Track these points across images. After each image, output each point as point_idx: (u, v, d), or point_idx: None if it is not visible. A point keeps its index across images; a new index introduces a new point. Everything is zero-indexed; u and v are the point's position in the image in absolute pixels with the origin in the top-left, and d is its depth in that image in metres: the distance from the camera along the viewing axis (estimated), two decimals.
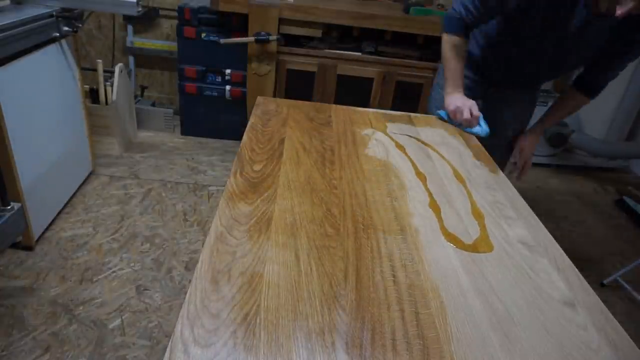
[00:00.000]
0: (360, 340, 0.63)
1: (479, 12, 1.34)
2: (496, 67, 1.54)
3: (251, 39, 2.41)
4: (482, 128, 1.39)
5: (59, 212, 2.05)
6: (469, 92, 1.54)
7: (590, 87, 1.45)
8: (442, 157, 1.23)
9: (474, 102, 1.40)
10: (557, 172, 3.17)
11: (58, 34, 1.86)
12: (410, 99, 2.68)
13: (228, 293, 0.68)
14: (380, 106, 2.66)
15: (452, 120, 1.44)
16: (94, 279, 1.73)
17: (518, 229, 0.95)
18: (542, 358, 0.65)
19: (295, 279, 0.73)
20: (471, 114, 1.38)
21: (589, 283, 0.83)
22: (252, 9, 2.37)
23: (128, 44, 2.98)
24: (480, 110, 1.42)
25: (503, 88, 1.59)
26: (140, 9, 1.90)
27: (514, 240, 0.91)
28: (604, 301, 0.79)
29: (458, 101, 1.41)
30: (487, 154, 1.30)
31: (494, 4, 1.31)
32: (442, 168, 1.17)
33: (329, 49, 2.56)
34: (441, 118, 1.48)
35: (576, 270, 0.85)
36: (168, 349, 0.58)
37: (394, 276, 0.76)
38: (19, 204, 1.47)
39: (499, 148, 1.55)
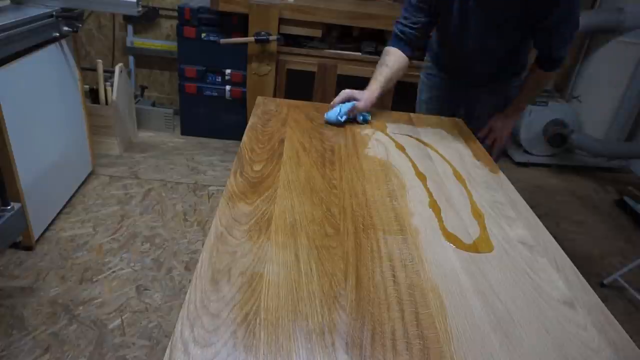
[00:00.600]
0: (360, 340, 0.63)
1: (411, 18, 1.42)
2: (446, 61, 1.65)
3: (251, 39, 2.41)
4: (335, 114, 1.34)
5: (59, 212, 2.05)
6: (438, 91, 1.72)
7: (545, 61, 1.45)
8: (442, 157, 1.23)
9: (350, 91, 1.38)
10: (557, 172, 3.17)
11: (58, 34, 1.86)
12: (410, 99, 2.67)
13: (228, 293, 0.68)
14: (380, 106, 2.65)
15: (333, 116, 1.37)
16: (94, 279, 1.73)
17: (518, 229, 0.95)
18: (542, 358, 0.65)
19: (295, 279, 0.73)
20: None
21: (589, 283, 0.83)
22: (252, 9, 2.37)
23: (128, 44, 2.98)
24: (452, 106, 1.63)
25: (465, 84, 1.65)
26: (140, 9, 1.90)
27: (514, 240, 0.91)
28: (604, 301, 0.79)
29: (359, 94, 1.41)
30: (487, 154, 1.30)
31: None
32: (442, 168, 1.17)
33: (329, 49, 2.56)
34: (330, 121, 1.36)
35: (576, 270, 0.85)
36: (168, 349, 0.58)
37: (394, 276, 0.76)
38: (19, 204, 1.47)
39: None
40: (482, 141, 1.47)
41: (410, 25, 1.43)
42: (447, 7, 1.40)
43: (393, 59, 1.44)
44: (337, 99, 1.37)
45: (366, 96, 1.37)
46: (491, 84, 1.60)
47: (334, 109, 1.34)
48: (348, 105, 1.34)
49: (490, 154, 1.43)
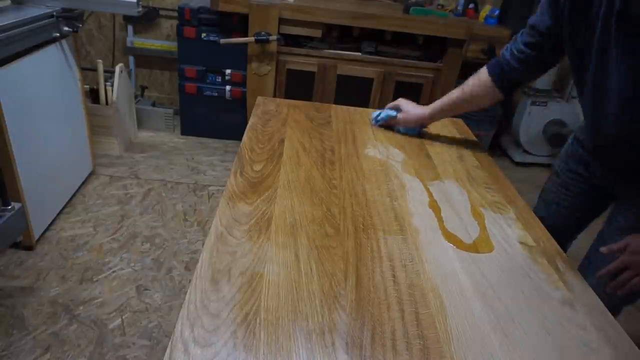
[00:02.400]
0: (360, 340, 0.63)
1: (519, 48, 1.09)
2: (587, 140, 1.13)
3: (251, 39, 2.41)
4: (375, 117, 1.36)
5: (59, 212, 2.05)
6: (568, 192, 1.20)
7: None
8: (443, 157, 1.23)
9: (404, 102, 1.32)
10: None
11: (58, 34, 1.86)
12: (410, 99, 2.67)
13: (228, 293, 0.68)
14: (380, 106, 2.65)
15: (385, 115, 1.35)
16: (94, 279, 1.73)
17: (518, 229, 0.95)
18: (542, 358, 0.65)
19: (295, 279, 0.73)
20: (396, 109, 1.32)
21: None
22: (252, 9, 2.37)
23: (128, 44, 2.98)
24: (585, 213, 1.19)
25: (607, 181, 1.12)
26: (140, 9, 1.90)
27: (514, 240, 0.91)
28: None
29: (414, 109, 1.32)
30: (487, 154, 1.30)
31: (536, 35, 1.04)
32: (442, 168, 1.17)
33: (329, 49, 2.56)
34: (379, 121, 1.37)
35: (576, 270, 0.85)
36: (168, 349, 0.58)
37: (394, 276, 0.76)
38: (19, 204, 1.47)
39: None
40: (610, 276, 0.95)
41: (515, 51, 1.10)
42: (577, 48, 0.95)
43: (474, 83, 1.20)
44: (391, 103, 1.35)
45: (408, 112, 1.30)
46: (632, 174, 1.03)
47: (380, 111, 1.36)
48: (388, 114, 1.33)
49: (615, 289, 0.93)
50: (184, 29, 2.64)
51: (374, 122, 1.37)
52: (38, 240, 1.88)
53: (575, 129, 1.24)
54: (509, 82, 1.15)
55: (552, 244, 0.92)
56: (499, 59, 1.15)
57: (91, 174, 2.37)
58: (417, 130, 1.33)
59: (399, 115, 1.31)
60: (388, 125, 1.35)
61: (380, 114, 1.35)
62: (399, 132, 1.34)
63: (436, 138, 1.35)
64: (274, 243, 0.80)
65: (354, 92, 2.61)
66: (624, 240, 0.94)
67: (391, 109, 1.34)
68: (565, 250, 0.94)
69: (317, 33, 2.49)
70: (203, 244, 0.91)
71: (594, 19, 0.88)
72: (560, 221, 1.22)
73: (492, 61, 1.17)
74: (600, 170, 1.11)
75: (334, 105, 1.49)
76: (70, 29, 1.91)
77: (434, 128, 1.42)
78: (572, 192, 1.20)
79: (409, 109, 1.30)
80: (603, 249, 0.94)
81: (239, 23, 2.57)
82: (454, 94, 1.22)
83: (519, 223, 0.97)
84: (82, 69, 2.17)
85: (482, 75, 1.18)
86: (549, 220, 1.07)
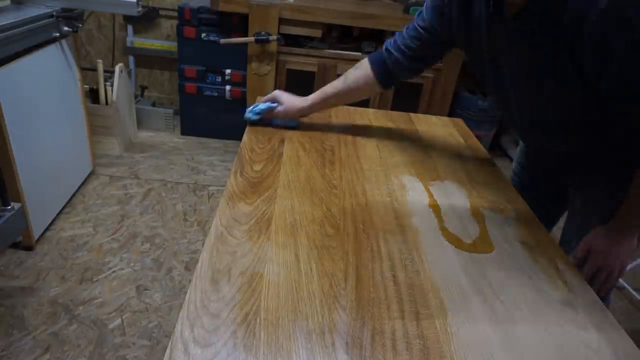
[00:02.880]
0: (360, 340, 0.63)
1: (404, 43, 1.10)
2: (519, 137, 1.21)
3: (251, 39, 2.41)
4: (250, 111, 1.27)
5: (59, 212, 2.05)
6: (525, 169, 1.27)
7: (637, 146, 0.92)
8: (443, 157, 1.23)
9: (280, 93, 1.24)
10: None
11: (58, 34, 1.86)
12: (410, 99, 2.68)
13: (228, 293, 0.68)
14: (380, 106, 2.66)
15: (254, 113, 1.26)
16: (94, 279, 1.73)
17: (518, 229, 0.95)
18: (541, 358, 0.65)
19: (295, 279, 0.73)
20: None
21: None
22: (252, 9, 2.37)
23: (128, 44, 2.98)
24: (541, 198, 1.15)
25: (551, 170, 1.18)
26: (140, 9, 1.90)
27: (514, 240, 0.91)
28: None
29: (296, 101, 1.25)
30: (487, 154, 1.30)
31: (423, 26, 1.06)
32: (442, 168, 1.17)
33: (329, 49, 2.56)
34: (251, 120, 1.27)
35: (576, 270, 0.85)
36: (168, 349, 0.58)
37: (394, 276, 0.76)
38: (19, 204, 1.47)
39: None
40: (579, 267, 0.95)
41: (403, 47, 1.11)
42: (469, 45, 0.99)
43: (357, 76, 1.18)
44: (266, 96, 1.26)
45: (289, 103, 1.22)
46: (593, 172, 1.03)
47: (256, 104, 1.27)
48: (268, 105, 1.24)
49: (591, 286, 0.83)
50: (184, 29, 2.64)
51: (249, 115, 1.25)
52: (38, 240, 1.88)
53: None
54: (393, 77, 1.17)
55: (552, 244, 0.92)
56: (382, 55, 1.14)
57: (91, 174, 2.37)
58: (296, 122, 1.26)
59: (279, 108, 1.23)
60: (266, 118, 1.25)
61: (257, 106, 1.25)
62: (277, 126, 1.25)
63: (436, 138, 1.35)
64: (274, 243, 0.80)
65: None
66: (584, 242, 0.97)
67: (269, 101, 1.25)
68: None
69: (317, 33, 2.49)
70: (203, 244, 0.91)
71: (477, 23, 0.91)
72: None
73: (376, 55, 1.16)
74: (542, 167, 1.20)
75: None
76: (70, 29, 1.91)
77: (433, 128, 1.42)
78: (532, 188, 1.22)
79: (290, 100, 1.23)
80: (570, 259, 0.91)
81: (239, 23, 2.57)
82: (337, 85, 1.19)
83: (519, 223, 0.97)
84: (82, 69, 2.17)
85: (365, 69, 1.17)
86: None
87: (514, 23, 0.82)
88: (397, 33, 1.15)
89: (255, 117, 1.25)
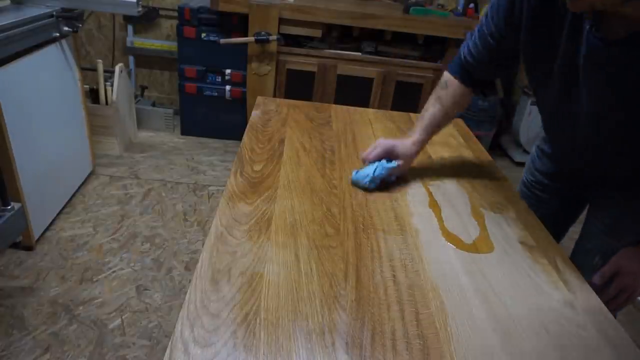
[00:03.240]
0: (360, 340, 0.63)
1: (477, 50, 1.02)
2: (553, 148, 1.14)
3: (251, 39, 2.41)
4: (365, 177, 1.00)
5: (59, 212, 2.05)
6: (544, 187, 1.17)
7: None
8: (443, 157, 1.23)
9: (390, 144, 1.04)
10: None
11: (58, 34, 1.86)
12: (410, 99, 2.68)
13: (228, 293, 0.68)
14: (380, 106, 2.66)
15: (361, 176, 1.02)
16: (94, 279, 1.73)
17: (518, 229, 0.95)
18: (542, 358, 0.65)
19: (295, 279, 0.73)
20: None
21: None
22: (252, 9, 2.37)
23: (128, 44, 2.98)
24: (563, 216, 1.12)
25: (578, 190, 1.14)
26: (140, 9, 1.90)
27: (514, 240, 0.91)
28: None
29: (397, 143, 1.06)
30: (487, 154, 1.30)
31: (491, 35, 0.98)
32: (442, 168, 1.17)
33: (329, 49, 2.56)
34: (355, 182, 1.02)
35: (576, 270, 0.85)
36: (168, 349, 0.58)
37: (394, 276, 0.76)
38: (19, 204, 1.47)
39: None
40: (600, 289, 0.90)
41: (474, 58, 1.03)
42: (539, 57, 0.91)
43: (450, 93, 1.08)
44: (373, 153, 1.04)
45: (404, 156, 1.04)
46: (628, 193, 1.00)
47: (366, 168, 1.01)
48: (385, 166, 1.01)
49: (607, 305, 0.81)
50: (184, 29, 2.64)
51: (365, 183, 1.00)
52: (38, 240, 1.88)
53: (538, 140, 1.22)
54: (478, 81, 1.09)
55: (553, 244, 0.92)
56: (460, 62, 1.07)
57: (91, 174, 2.37)
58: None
59: (398, 164, 1.03)
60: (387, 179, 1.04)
61: (373, 172, 1.00)
62: (369, 188, 1.01)
63: (436, 138, 1.35)
64: (274, 243, 0.80)
65: (354, 92, 2.61)
66: (613, 262, 0.94)
67: (379, 158, 1.03)
68: None
69: (317, 33, 2.49)
70: (203, 244, 0.91)
71: (556, 39, 0.85)
72: None
73: (453, 66, 1.10)
74: (569, 182, 1.13)
75: (334, 105, 1.49)
76: (70, 29, 1.91)
77: None
78: (544, 202, 1.19)
79: (403, 150, 1.05)
80: (596, 279, 0.91)
81: (239, 23, 2.57)
82: (435, 113, 1.08)
83: (519, 223, 0.97)
84: (82, 69, 2.16)
85: (452, 84, 1.09)
86: None
87: (617, 47, 0.76)
88: (468, 34, 1.06)
89: (374, 185, 1.00)
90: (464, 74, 1.07)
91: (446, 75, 1.11)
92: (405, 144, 1.06)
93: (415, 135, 1.08)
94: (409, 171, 1.12)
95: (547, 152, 1.17)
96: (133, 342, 1.51)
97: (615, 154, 0.94)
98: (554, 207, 1.19)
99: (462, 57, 1.06)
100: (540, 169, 1.19)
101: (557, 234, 1.18)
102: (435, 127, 1.09)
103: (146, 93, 3.14)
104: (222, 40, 2.48)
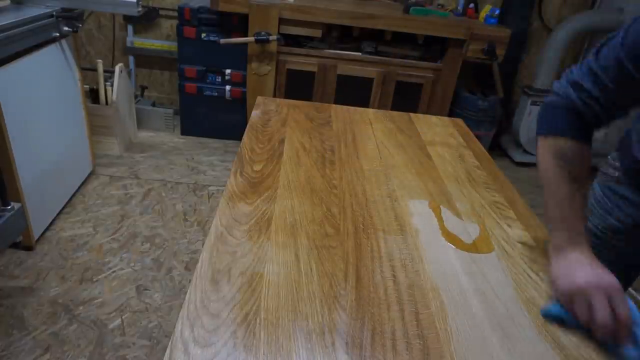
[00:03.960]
0: (360, 340, 0.63)
1: (604, 87, 0.76)
2: None
3: (251, 39, 2.41)
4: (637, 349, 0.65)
5: (59, 212, 2.05)
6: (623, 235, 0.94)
7: None
8: (443, 157, 1.23)
9: (614, 279, 0.69)
10: None
11: (58, 34, 1.86)
12: (410, 99, 2.68)
13: (228, 293, 0.68)
14: (380, 106, 2.66)
15: (569, 316, 0.70)
16: (94, 279, 1.73)
17: (518, 229, 0.95)
18: (542, 358, 0.65)
19: (295, 279, 0.73)
20: (614, 313, 0.66)
21: None
22: (252, 9, 2.37)
23: (128, 44, 2.98)
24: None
25: None
26: (140, 9, 1.90)
27: (514, 240, 0.91)
28: None
29: (581, 273, 0.71)
30: (487, 154, 1.30)
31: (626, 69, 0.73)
32: (442, 168, 1.17)
33: (329, 49, 2.57)
34: (548, 315, 0.72)
35: None
36: (168, 349, 0.58)
37: (394, 276, 0.76)
38: (19, 204, 1.47)
39: None
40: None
41: (591, 97, 0.78)
42: None
43: (583, 164, 0.81)
44: (618, 308, 0.66)
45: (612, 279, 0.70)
46: None
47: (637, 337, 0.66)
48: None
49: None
50: (184, 29, 2.64)
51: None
52: (38, 240, 1.88)
53: (609, 171, 1.01)
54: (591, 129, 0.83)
55: None
56: (575, 110, 0.80)
57: (91, 174, 2.37)
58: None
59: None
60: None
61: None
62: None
63: (436, 138, 1.35)
64: (274, 243, 0.80)
65: (354, 92, 2.61)
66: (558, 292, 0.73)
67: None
68: None
69: (317, 33, 2.49)
70: (203, 244, 0.91)
71: None
72: None
73: (563, 118, 0.81)
74: None
75: (334, 105, 1.49)
76: (70, 29, 1.91)
77: (433, 128, 1.42)
78: (619, 248, 0.99)
79: (609, 281, 0.69)
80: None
81: (239, 23, 2.57)
82: (575, 199, 0.78)
83: (519, 223, 0.97)
84: (82, 69, 2.17)
85: (575, 151, 0.80)
86: None
87: None
88: (565, 76, 0.83)
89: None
90: (580, 128, 0.81)
91: (558, 146, 0.80)
92: (595, 269, 0.71)
93: (584, 238, 0.76)
94: (409, 171, 1.12)
95: (623, 191, 0.96)
96: (133, 342, 1.51)
97: None
98: (635, 256, 1.00)
99: (569, 98, 0.80)
100: (615, 212, 0.97)
101: (629, 284, 1.04)
102: (582, 211, 0.79)
103: (146, 93, 3.14)
104: (222, 40, 2.48)
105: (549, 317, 0.72)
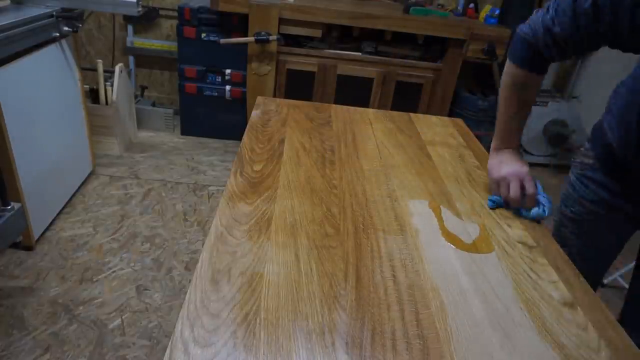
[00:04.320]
0: (360, 340, 0.63)
1: (564, 29, 0.85)
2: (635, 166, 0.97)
3: (251, 39, 2.41)
4: (542, 208, 0.98)
5: (59, 212, 2.05)
6: (602, 213, 1.04)
7: None
8: (443, 157, 1.23)
9: (526, 169, 0.99)
10: (557, 172, 3.17)
11: (58, 34, 1.87)
12: (410, 99, 2.68)
13: (228, 293, 0.68)
14: (380, 106, 2.66)
15: (499, 198, 1.02)
16: (94, 279, 1.73)
17: (518, 229, 0.95)
18: (542, 358, 0.65)
19: (295, 279, 0.72)
20: (524, 190, 0.97)
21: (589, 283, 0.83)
22: (252, 9, 2.37)
23: (128, 44, 2.98)
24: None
25: None
26: (140, 9, 1.90)
27: (514, 240, 0.91)
28: (604, 301, 0.79)
29: (505, 166, 1.00)
30: (487, 154, 1.30)
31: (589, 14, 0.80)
32: (442, 168, 1.17)
33: (329, 49, 2.57)
34: (490, 202, 1.02)
35: (576, 270, 0.85)
36: (168, 349, 0.58)
37: (394, 276, 0.76)
38: (19, 204, 1.47)
39: None
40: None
41: (561, 36, 0.86)
42: None
43: (532, 90, 1.00)
44: (527, 187, 0.98)
45: (526, 168, 1.00)
46: None
47: (541, 201, 0.99)
48: (541, 192, 1.01)
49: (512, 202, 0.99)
50: (184, 29, 2.64)
51: (544, 212, 0.98)
52: (38, 240, 1.88)
53: (576, 168, 1.11)
54: (546, 62, 0.96)
55: (552, 244, 0.92)
56: (536, 50, 0.92)
57: (91, 174, 2.37)
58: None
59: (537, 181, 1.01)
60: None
61: (545, 201, 0.99)
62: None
63: (436, 138, 1.35)
64: (274, 243, 0.80)
65: (354, 92, 2.61)
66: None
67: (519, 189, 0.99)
68: (600, 284, 0.88)
69: (317, 33, 2.49)
70: (203, 244, 0.91)
71: None
72: (593, 264, 1.11)
73: (523, 54, 0.95)
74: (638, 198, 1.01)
75: (334, 105, 1.49)
76: (70, 29, 1.91)
77: (433, 128, 1.42)
78: (599, 235, 1.09)
79: (524, 170, 1.00)
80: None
81: (239, 23, 2.57)
82: (516, 113, 1.02)
83: (519, 223, 0.97)
84: (82, 69, 2.17)
85: (531, 80, 0.98)
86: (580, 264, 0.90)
87: None
88: (537, 12, 0.93)
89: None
90: (539, 63, 0.95)
91: (515, 74, 0.98)
92: (515, 163, 1.01)
93: (515, 151, 1.04)
94: (409, 171, 1.12)
95: (598, 176, 1.04)
96: (133, 342, 1.51)
97: None
98: (610, 237, 1.09)
99: (534, 34, 0.91)
100: (590, 197, 1.06)
101: (607, 265, 1.14)
102: (521, 127, 1.05)
103: (146, 93, 3.14)
104: (222, 40, 2.49)
105: (491, 204, 1.01)
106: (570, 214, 1.12)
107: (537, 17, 0.92)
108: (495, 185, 1.02)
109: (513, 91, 1.00)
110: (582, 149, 1.12)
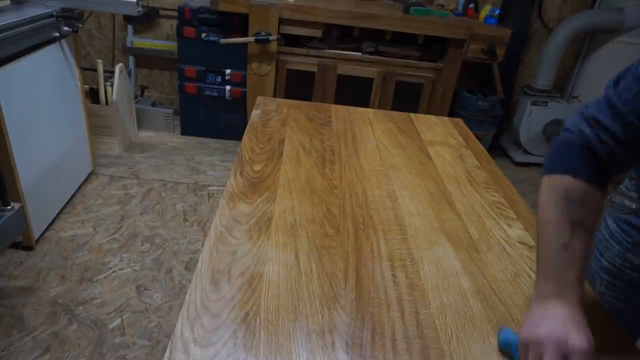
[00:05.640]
0: (360, 340, 0.63)
1: (625, 123, 0.64)
2: None
3: (251, 39, 2.41)
4: None
5: (59, 212, 2.05)
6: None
7: None
8: (443, 157, 1.23)
9: (583, 341, 0.58)
10: None
11: (58, 34, 1.86)
12: (410, 99, 2.68)
13: (228, 293, 0.68)
14: (380, 106, 2.66)
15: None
16: (94, 279, 1.73)
17: (518, 229, 0.95)
18: None
19: (295, 279, 0.73)
20: None
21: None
22: (252, 9, 2.37)
23: (128, 44, 2.98)
24: None
25: None
26: (140, 9, 1.90)
27: (514, 240, 0.91)
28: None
29: (548, 325, 0.60)
30: (487, 154, 1.30)
31: None
32: (442, 168, 1.17)
33: (329, 49, 2.57)
34: (503, 345, 0.66)
35: None
36: (168, 349, 0.58)
37: (394, 276, 0.76)
38: (19, 204, 1.47)
39: None
40: None
41: (610, 137, 0.65)
42: None
43: (591, 210, 0.65)
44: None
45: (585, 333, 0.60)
46: None
47: None
48: None
49: None
50: (184, 29, 2.64)
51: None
52: (38, 240, 1.88)
53: (624, 202, 0.91)
54: (607, 174, 0.69)
55: None
56: (590, 152, 0.67)
57: (91, 174, 2.37)
58: None
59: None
60: None
61: None
62: None
63: (436, 138, 1.35)
64: (274, 243, 0.80)
65: (354, 92, 2.61)
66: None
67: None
68: None
69: (317, 33, 2.49)
70: (203, 244, 0.91)
71: None
72: (635, 327, 0.88)
73: (575, 159, 0.68)
74: None
75: (334, 105, 1.49)
76: (70, 29, 1.91)
77: (433, 128, 1.42)
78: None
79: (580, 329, 0.61)
80: None
81: (239, 23, 2.57)
82: (571, 247, 0.63)
83: (519, 223, 0.97)
84: (82, 69, 2.17)
85: (587, 194, 0.66)
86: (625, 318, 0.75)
87: None
88: (584, 108, 0.70)
89: None
90: (593, 172, 0.67)
91: (567, 186, 0.66)
92: (569, 326, 0.60)
93: (576, 290, 0.64)
94: (409, 171, 1.12)
95: None
96: (133, 342, 1.51)
97: None
98: None
99: (583, 138, 0.68)
100: (638, 251, 0.89)
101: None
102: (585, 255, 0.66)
103: (146, 93, 3.14)
104: (222, 40, 2.48)
105: (502, 342, 0.65)
106: (608, 265, 0.92)
107: (573, 118, 0.71)
108: (523, 349, 0.61)
109: (564, 211, 0.65)
110: (620, 187, 0.91)
